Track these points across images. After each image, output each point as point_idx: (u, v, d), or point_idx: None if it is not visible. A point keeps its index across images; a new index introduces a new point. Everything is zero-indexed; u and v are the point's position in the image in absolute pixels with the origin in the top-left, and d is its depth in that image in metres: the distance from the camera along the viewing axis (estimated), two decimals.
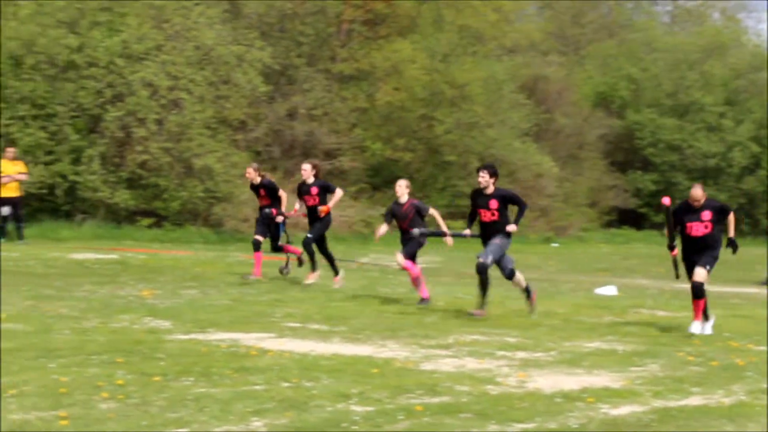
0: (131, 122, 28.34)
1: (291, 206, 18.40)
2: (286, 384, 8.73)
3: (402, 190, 15.94)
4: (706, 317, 13.45)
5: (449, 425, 7.52)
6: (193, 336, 11.32)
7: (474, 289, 14.71)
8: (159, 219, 28.81)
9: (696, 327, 13.25)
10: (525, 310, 14.53)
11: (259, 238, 17.94)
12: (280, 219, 17.90)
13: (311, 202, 17.19)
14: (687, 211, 13.45)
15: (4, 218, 24.62)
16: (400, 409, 7.93)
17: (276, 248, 18.23)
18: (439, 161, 35.27)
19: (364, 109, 34.89)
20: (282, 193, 18.14)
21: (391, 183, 33.69)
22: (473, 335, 12.29)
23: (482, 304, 14.15)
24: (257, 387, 8.55)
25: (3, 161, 24.80)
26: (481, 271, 13.97)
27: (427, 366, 10.04)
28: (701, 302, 13.25)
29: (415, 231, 15.55)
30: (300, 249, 17.64)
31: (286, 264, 18.38)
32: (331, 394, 8.34)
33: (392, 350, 10.94)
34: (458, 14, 37.06)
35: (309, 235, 17.12)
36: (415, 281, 15.71)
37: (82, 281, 16.24)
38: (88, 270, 17.00)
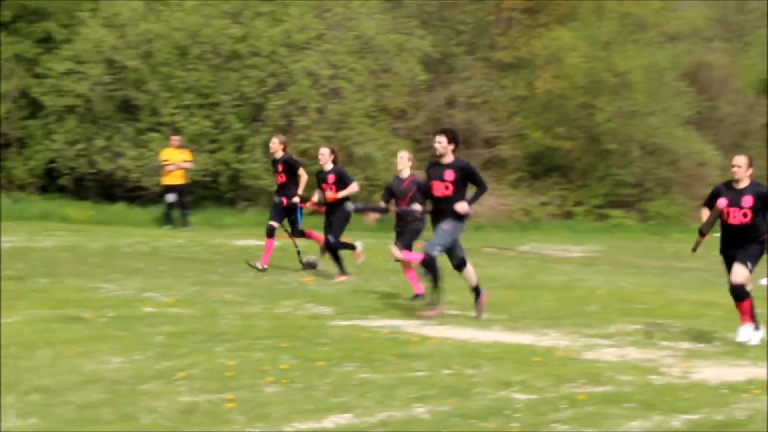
0: (293, 111, 28.73)
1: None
2: (448, 371, 8.75)
3: (404, 163, 14.03)
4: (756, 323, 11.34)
5: (612, 414, 7.44)
6: (354, 322, 11.44)
7: (636, 278, 14.49)
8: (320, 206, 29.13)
9: (745, 333, 11.19)
10: (683, 299, 14.22)
11: (273, 223, 16.48)
12: (296, 200, 16.54)
13: (328, 191, 15.98)
14: (727, 190, 11.24)
15: (170, 205, 25.22)
16: (562, 398, 7.87)
17: (297, 232, 16.93)
18: (600, 149, 34.78)
19: (524, 97, 34.63)
20: (302, 173, 16.68)
21: (551, 171, 33.58)
22: (635, 325, 12.12)
23: (436, 301, 12.33)
24: (419, 373, 8.59)
25: (168, 149, 25.43)
26: (428, 265, 12.02)
27: (589, 355, 9.95)
28: (744, 305, 11.19)
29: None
30: (322, 236, 16.16)
31: (304, 262, 17.02)
32: (493, 382, 8.33)
33: (553, 339, 10.88)
34: (620, 2, 36.52)
35: (330, 238, 15.82)
36: (411, 274, 13.96)
37: (245, 267, 16.53)
38: (251, 256, 17.28)
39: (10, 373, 8.01)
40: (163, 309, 11.83)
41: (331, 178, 15.93)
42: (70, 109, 28.10)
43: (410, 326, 11.25)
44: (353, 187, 16.00)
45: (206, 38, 28.56)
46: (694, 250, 11.61)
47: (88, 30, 28.36)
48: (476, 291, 12.41)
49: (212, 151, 28.09)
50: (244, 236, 22.85)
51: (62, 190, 28.33)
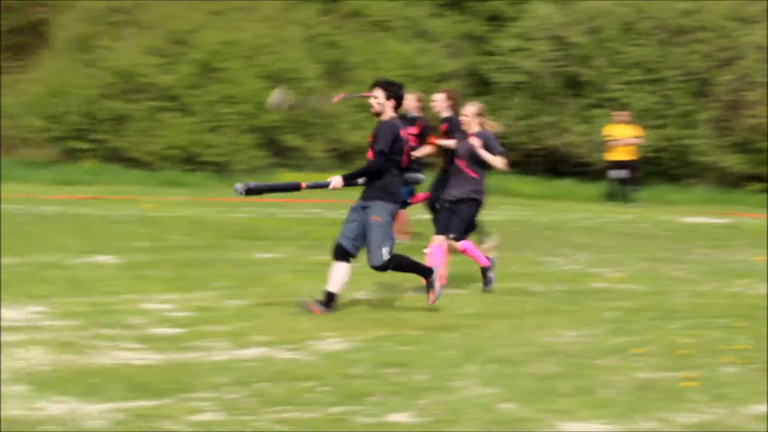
0: (742, 86, 27.79)
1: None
2: None
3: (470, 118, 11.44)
4: None
5: None
6: None
7: None
8: None
9: None
10: None
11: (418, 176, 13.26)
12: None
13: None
14: None
15: (620, 181, 25.16)
16: None
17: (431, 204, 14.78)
18: None
19: None
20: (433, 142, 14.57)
21: None
22: None
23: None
24: None
25: (612, 125, 25.34)
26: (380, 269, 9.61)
27: None
28: None
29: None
30: None
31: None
32: None
33: None
34: None
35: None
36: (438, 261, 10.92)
37: (695, 244, 16.23)
38: (701, 234, 16.99)
39: (470, 343, 8.32)
40: (612, 285, 11.86)
41: (444, 127, 13.78)
42: (518, 86, 28.65)
43: None
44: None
45: (653, 13, 28.19)
46: None
47: (536, 7, 28.80)
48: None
49: (658, 127, 27.71)
50: (692, 213, 22.40)
51: (510, 165, 28.89)
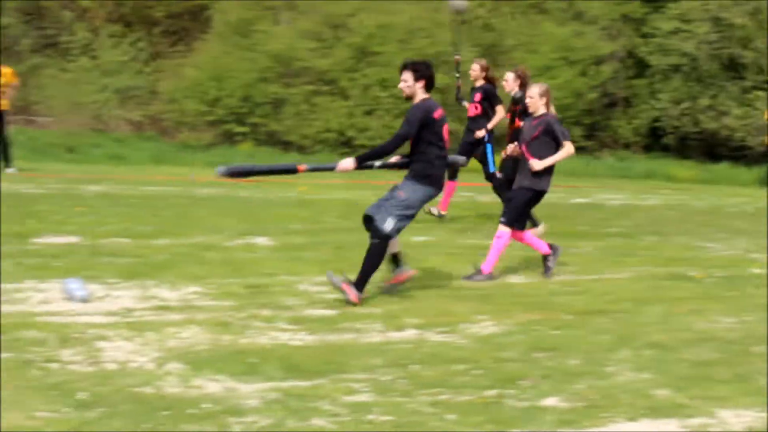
0: None
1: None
2: None
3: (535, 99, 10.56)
4: None
5: None
6: None
7: None
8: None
9: None
10: None
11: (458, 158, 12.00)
12: (479, 133, 14.41)
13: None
14: None
15: None
16: None
17: (489, 178, 14.49)
18: None
19: None
20: (500, 110, 14.38)
21: None
22: None
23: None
24: None
25: None
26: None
27: None
28: None
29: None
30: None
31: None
32: None
33: None
34: None
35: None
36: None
37: None
38: None
39: (624, 328, 8.23)
40: None
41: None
42: (676, 68, 28.12)
43: None
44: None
45: None
46: None
47: None
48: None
49: None
50: None
51: (666, 149, 28.48)
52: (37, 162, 21.80)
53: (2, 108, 19.08)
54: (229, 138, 26.21)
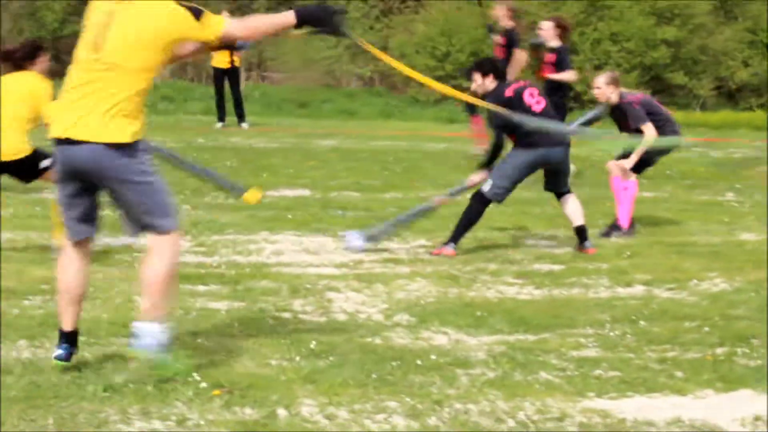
0: None
1: None
2: None
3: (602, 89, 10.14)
4: None
5: None
6: None
7: None
8: None
9: None
10: None
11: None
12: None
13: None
14: None
15: None
16: None
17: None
18: None
19: None
20: (519, 54, 13.86)
21: None
22: None
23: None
24: None
25: None
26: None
27: None
28: None
29: None
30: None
31: None
32: None
33: None
34: None
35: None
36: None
37: None
38: None
39: None
40: None
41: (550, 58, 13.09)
42: None
43: None
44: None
45: None
46: None
47: None
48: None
49: None
50: None
51: None
52: (269, 117, 22.39)
53: (236, 65, 19.63)
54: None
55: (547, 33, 13.13)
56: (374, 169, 13.96)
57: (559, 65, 13.06)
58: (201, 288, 7.39)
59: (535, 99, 9.09)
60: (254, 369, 5.61)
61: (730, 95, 26.73)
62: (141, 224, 5.34)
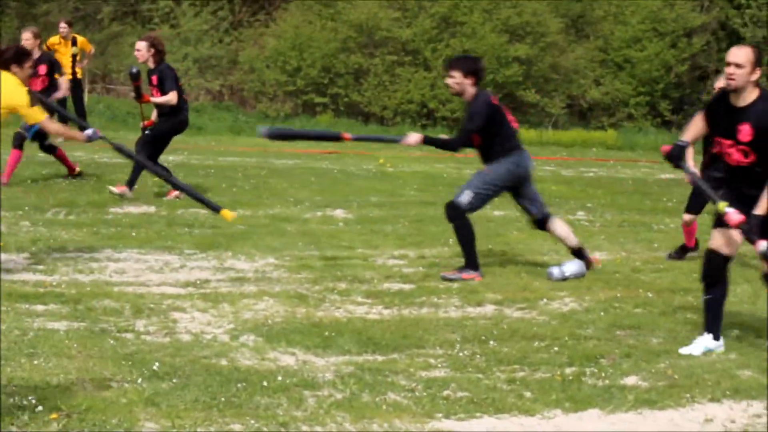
0: None
1: None
2: None
3: None
4: None
5: None
6: None
7: None
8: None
9: None
10: None
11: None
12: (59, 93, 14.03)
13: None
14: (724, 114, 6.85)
15: None
16: None
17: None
18: None
19: None
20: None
21: None
22: None
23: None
24: None
25: None
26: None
27: None
28: None
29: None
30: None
31: None
32: None
33: None
34: None
35: None
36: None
37: None
38: None
39: None
40: None
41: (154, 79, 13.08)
42: None
43: None
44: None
45: None
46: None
47: None
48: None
49: None
50: None
51: None
52: (114, 131, 21.92)
53: (78, 76, 19.24)
54: (309, 109, 26.16)
55: (144, 54, 12.99)
56: (222, 186, 13.74)
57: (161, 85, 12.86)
58: (39, 307, 7.13)
59: (509, 116, 9.15)
60: (94, 391, 5.41)
61: (582, 114, 27.21)
62: None
